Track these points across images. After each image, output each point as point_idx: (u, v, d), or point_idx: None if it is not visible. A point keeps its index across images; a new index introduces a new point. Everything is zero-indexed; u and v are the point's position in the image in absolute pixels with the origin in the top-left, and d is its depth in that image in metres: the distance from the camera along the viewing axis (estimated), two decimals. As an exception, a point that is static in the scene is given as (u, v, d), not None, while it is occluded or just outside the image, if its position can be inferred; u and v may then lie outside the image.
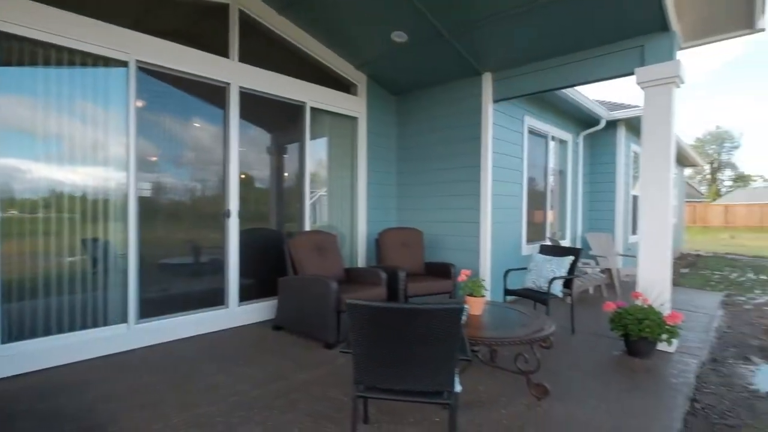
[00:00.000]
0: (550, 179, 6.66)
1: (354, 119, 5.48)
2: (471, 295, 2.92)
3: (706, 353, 4.02)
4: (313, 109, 4.98)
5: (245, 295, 4.39)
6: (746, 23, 3.54)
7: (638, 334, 3.38)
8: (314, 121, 5.05)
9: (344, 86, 5.39)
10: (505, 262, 4.97)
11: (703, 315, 5.26)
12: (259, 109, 4.70)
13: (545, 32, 4.02)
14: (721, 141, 65.10)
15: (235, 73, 4.24)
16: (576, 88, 5.91)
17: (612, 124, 7.25)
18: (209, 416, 2.46)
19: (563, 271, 4.11)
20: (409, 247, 4.94)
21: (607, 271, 5.89)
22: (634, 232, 8.05)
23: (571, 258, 4.16)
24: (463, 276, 3.00)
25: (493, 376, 3.08)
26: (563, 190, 7.08)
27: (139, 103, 3.65)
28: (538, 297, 4.04)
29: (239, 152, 4.37)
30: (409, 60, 4.93)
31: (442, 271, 4.62)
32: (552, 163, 6.77)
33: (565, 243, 6.98)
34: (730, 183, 66.38)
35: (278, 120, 5.00)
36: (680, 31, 3.76)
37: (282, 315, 4.14)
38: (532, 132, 6.03)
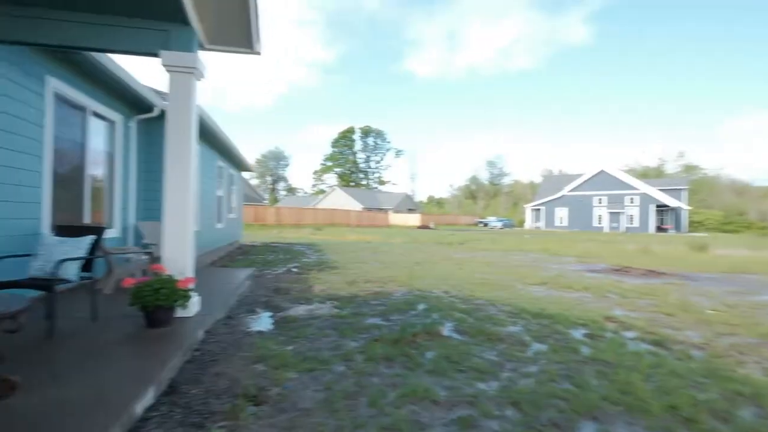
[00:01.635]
0: (91, 158, 5.90)
1: None
2: None
3: (224, 313, 4.77)
4: None
5: None
6: (247, 44, 4.50)
7: (155, 303, 3.50)
8: None
9: None
10: (15, 252, 3.86)
11: (234, 286, 6.25)
12: None
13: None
14: (278, 159, 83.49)
15: None
16: (122, 65, 5.57)
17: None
18: None
19: (81, 253, 3.66)
20: None
21: (150, 256, 5.88)
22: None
23: (91, 238, 3.77)
24: None
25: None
26: (111, 173, 6.48)
27: None
28: (41, 285, 3.36)
29: None
30: None
31: None
32: (96, 143, 6.03)
33: (114, 231, 6.42)
34: (285, 192, 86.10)
35: None
36: (202, 32, 4.27)
37: None
38: (63, 100, 5.10)
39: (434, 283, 7.24)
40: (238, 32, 4.37)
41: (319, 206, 54.39)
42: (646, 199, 44.11)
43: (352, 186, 76.40)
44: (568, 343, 3.87)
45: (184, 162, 4.07)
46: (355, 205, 53.88)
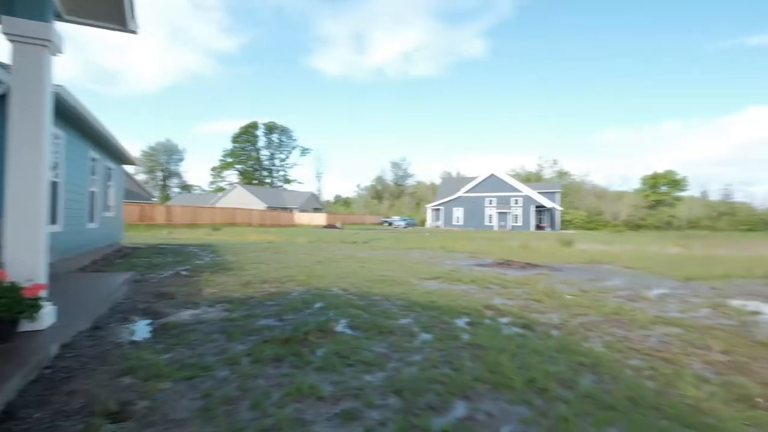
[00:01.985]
0: None
1: None
2: None
3: (89, 323, 4.18)
4: None
5: None
6: (118, 20, 4.01)
7: (-10, 316, 2.93)
8: None
9: None
10: None
11: (107, 292, 5.53)
12: None
13: None
14: (170, 152, 75.89)
15: None
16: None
17: (18, 94, 6.22)
18: None
19: None
20: None
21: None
22: (54, 221, 7.35)
23: None
24: None
25: None
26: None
27: None
28: None
29: None
30: None
31: None
32: None
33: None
34: (178, 189, 78.63)
35: None
36: (60, 0, 3.69)
37: None
38: None
39: (334, 281, 7.24)
40: (107, 5, 3.87)
41: (218, 205, 50.86)
42: (527, 200, 49.62)
43: (255, 184, 72.90)
44: (452, 331, 4.18)
45: (34, 150, 3.48)
46: (258, 204, 51.49)
